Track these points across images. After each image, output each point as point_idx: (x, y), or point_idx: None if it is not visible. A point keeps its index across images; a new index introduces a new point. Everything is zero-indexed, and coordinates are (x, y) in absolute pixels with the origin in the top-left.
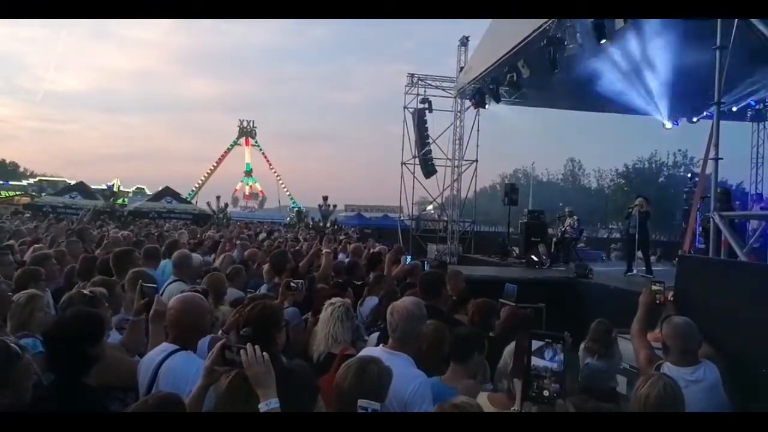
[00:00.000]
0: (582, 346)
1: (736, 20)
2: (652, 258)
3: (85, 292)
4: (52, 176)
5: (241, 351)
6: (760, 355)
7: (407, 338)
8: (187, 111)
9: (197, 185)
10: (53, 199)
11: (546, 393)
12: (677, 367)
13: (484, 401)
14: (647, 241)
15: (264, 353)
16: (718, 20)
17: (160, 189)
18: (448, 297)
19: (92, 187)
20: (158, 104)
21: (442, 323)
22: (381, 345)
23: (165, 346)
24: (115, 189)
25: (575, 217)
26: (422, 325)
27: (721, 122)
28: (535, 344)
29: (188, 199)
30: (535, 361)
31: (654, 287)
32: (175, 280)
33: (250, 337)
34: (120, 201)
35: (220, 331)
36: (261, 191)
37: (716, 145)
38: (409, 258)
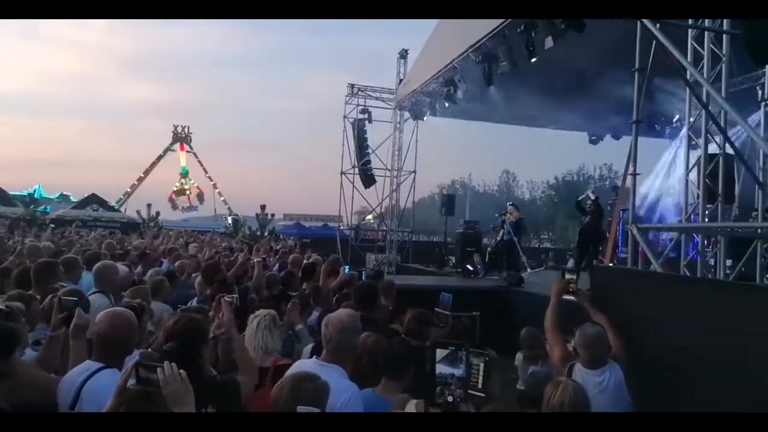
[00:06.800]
0: (520, 356)
1: (653, 44)
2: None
3: (0, 306)
4: None
5: (158, 369)
6: (663, 360)
7: (341, 350)
8: (120, 116)
9: (127, 192)
10: None
11: (450, 398)
12: (587, 369)
13: (419, 409)
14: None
15: (181, 371)
16: (637, 44)
17: (86, 196)
18: (383, 307)
19: (11, 193)
20: (90, 108)
21: (381, 336)
22: (314, 357)
23: (88, 365)
24: (36, 196)
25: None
26: (357, 337)
27: (641, 139)
28: (441, 353)
29: (117, 207)
30: (442, 368)
31: (567, 275)
32: (95, 292)
33: (176, 352)
34: (41, 208)
35: (150, 348)
36: (198, 187)
37: (634, 161)
38: (347, 268)
